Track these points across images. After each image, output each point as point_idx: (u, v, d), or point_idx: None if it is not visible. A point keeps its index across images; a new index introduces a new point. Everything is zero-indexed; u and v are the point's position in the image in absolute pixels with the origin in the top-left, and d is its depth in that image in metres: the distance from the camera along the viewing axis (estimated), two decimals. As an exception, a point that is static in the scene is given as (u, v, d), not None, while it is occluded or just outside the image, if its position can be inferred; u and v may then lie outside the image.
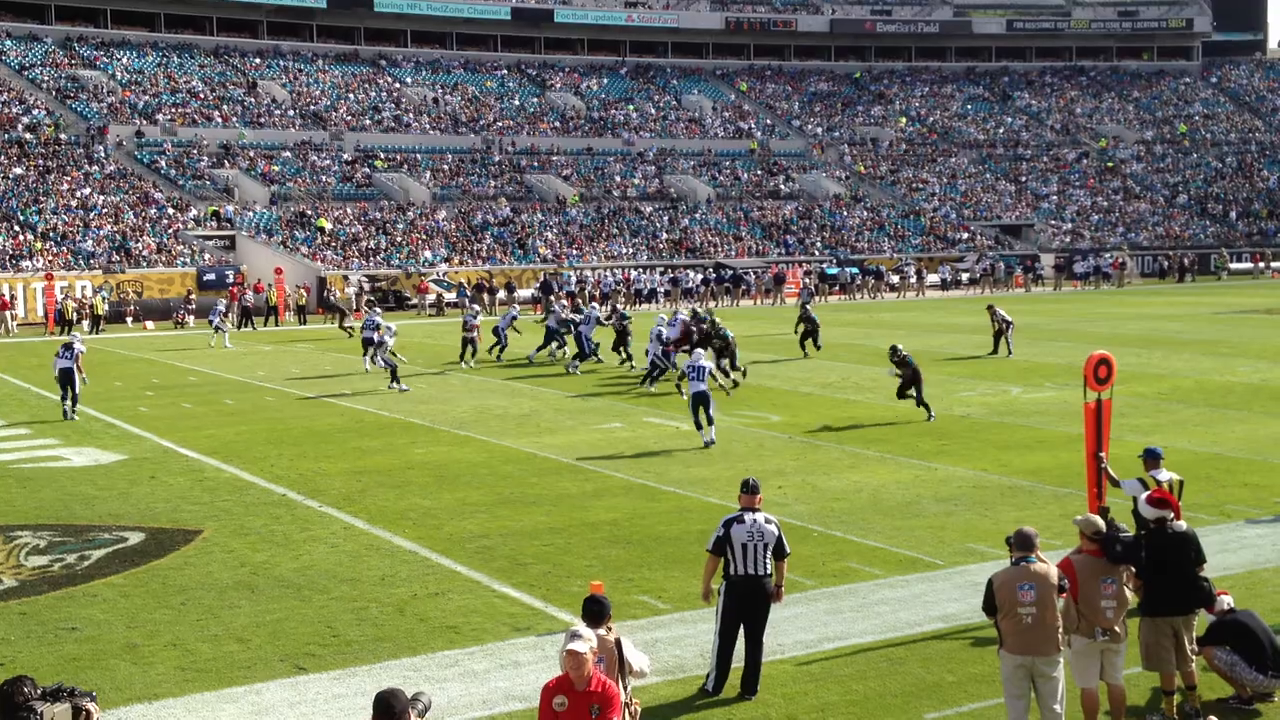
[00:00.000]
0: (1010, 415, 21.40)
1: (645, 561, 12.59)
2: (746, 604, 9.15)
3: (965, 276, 60.45)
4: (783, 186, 70.15)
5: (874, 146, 77.13)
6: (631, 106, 76.00)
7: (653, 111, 76.26)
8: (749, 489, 9.41)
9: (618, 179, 66.97)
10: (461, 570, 12.39)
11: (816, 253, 62.35)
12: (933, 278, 59.16)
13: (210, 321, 32.94)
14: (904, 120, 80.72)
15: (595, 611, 7.27)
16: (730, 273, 55.47)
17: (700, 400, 18.73)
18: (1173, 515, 8.83)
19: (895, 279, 57.53)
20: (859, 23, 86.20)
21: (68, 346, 22.93)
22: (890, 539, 13.34)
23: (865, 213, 68.32)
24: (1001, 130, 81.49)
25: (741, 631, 9.24)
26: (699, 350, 20.66)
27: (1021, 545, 7.97)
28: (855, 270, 57.56)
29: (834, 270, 57.82)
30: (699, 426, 18.84)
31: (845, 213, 67.76)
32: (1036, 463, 17.17)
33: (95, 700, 5.67)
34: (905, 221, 68.02)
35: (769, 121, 78.47)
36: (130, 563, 12.79)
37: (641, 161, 69.66)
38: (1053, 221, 71.16)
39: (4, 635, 10.60)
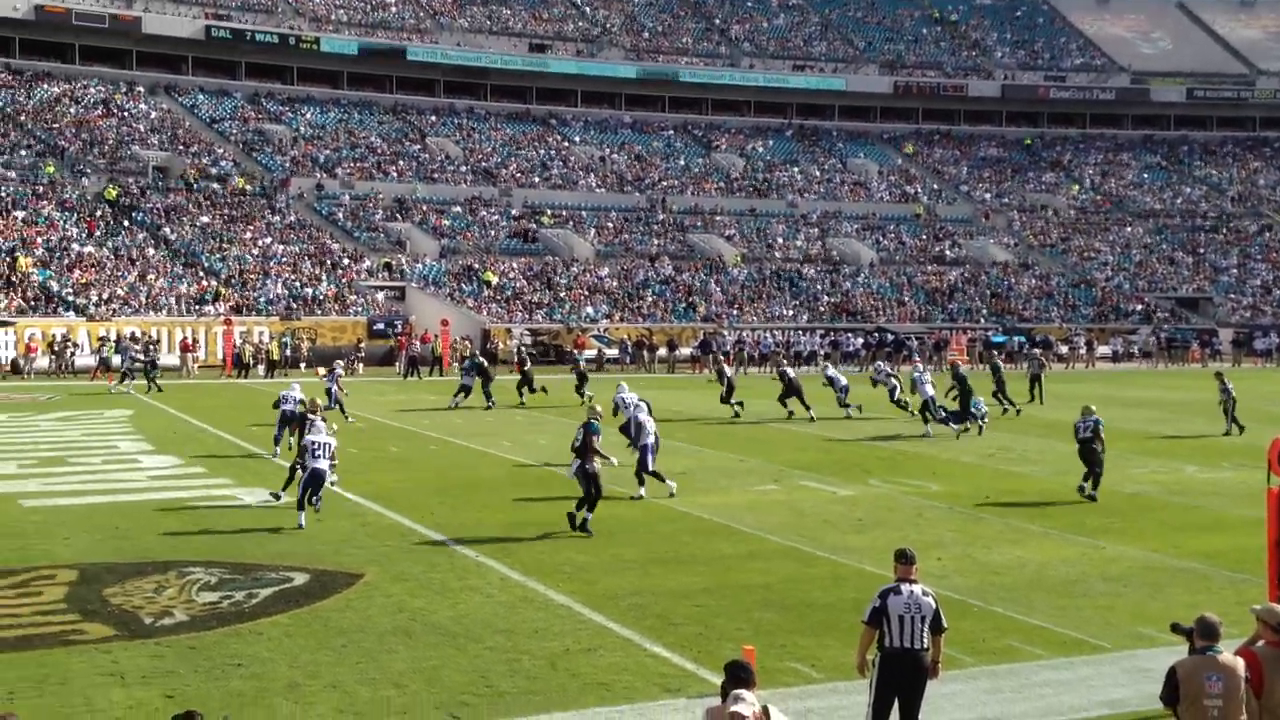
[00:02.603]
0: (1184, 495, 20.60)
1: (799, 628, 12.42)
2: (902, 678, 8.88)
3: (1137, 349, 58.67)
4: (948, 252, 69.25)
5: (1044, 214, 75.67)
6: (796, 168, 76.08)
7: (817, 173, 76.21)
8: (906, 559, 9.13)
9: (780, 240, 66.97)
10: (614, 627, 12.39)
11: (982, 320, 61.29)
12: (1104, 349, 57.56)
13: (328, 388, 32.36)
14: (1076, 187, 79.10)
15: (744, 678, 7.19)
16: (892, 337, 54.84)
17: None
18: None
19: (1064, 349, 56.12)
20: (1032, 88, 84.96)
21: (317, 445, 17.60)
22: (1054, 618, 12.92)
23: (1034, 281, 66.98)
24: (1179, 200, 79.22)
25: (896, 706, 8.99)
26: None
27: (1206, 634, 7.60)
28: (1022, 339, 56.35)
29: (1000, 338, 56.71)
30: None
31: (1013, 280, 66.51)
32: (1212, 545, 16.47)
33: None
34: (1076, 291, 66.44)
35: (936, 186, 77.69)
36: (295, 603, 13.12)
37: (805, 223, 69.58)
38: (1232, 295, 68.70)
39: (174, 668, 10.95)
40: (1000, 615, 13.03)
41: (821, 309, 59.93)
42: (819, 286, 62.20)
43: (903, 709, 8.96)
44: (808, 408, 30.87)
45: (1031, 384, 37.32)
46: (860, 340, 53.95)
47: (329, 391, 28.95)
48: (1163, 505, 19.60)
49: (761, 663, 10.02)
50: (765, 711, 7.00)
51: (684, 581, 14.26)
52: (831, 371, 33.44)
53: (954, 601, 13.30)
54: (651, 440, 19.76)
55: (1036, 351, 42.33)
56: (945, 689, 10.32)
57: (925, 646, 8.93)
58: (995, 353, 33.36)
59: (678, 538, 16.69)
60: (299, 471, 17.61)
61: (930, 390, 28.64)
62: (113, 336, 43.90)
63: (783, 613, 12.98)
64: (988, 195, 77.33)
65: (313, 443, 17.47)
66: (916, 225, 72.11)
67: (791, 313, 58.85)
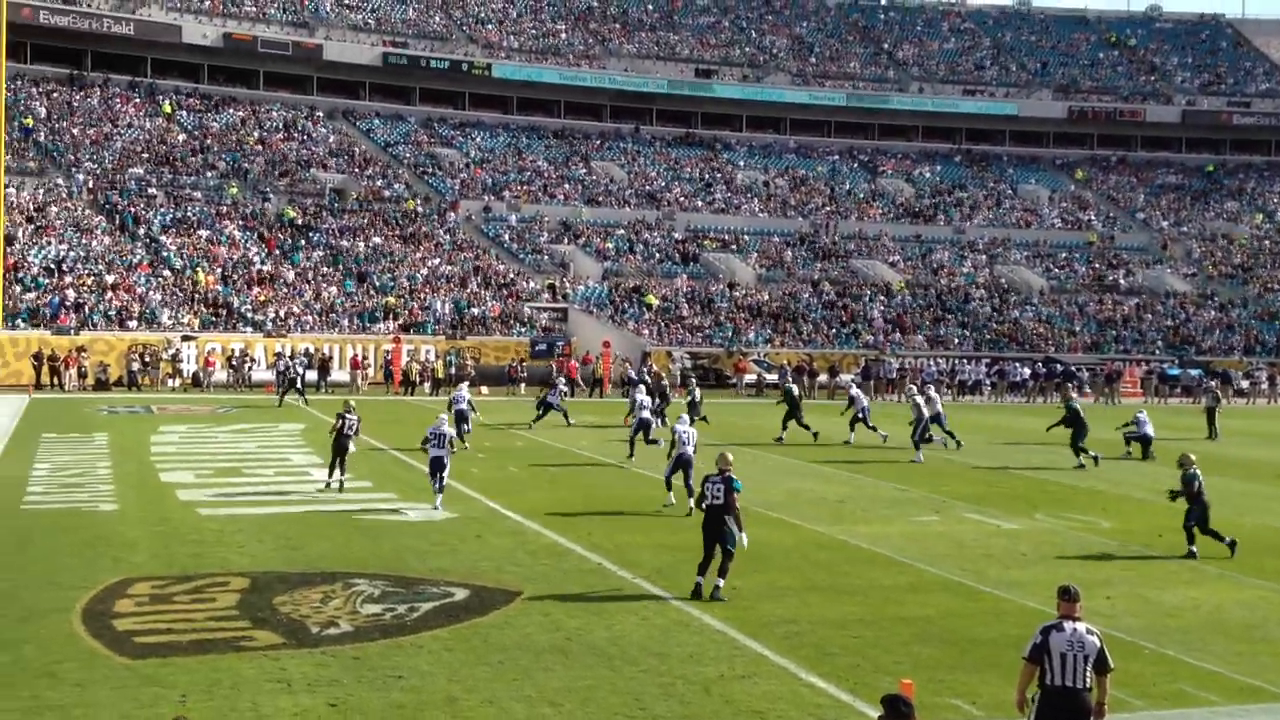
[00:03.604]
0: (1373, 539, 19.56)
1: (959, 663, 12.14)
2: (1062, 716, 8.64)
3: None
4: (1122, 281, 67.22)
5: (1226, 243, 72.92)
6: (964, 194, 74.86)
7: (986, 199, 74.84)
8: (1070, 596, 8.94)
9: (946, 267, 65.90)
10: (769, 655, 12.30)
11: (1156, 352, 59.31)
12: (1288, 384, 55.07)
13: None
14: (1260, 216, 76.04)
15: (904, 713, 7.06)
16: (1061, 368, 53.40)
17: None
18: None
19: (1244, 383, 53.88)
20: (1214, 114, 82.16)
21: (439, 435, 20.57)
22: (1230, 663, 12.38)
23: (1213, 312, 64.55)
24: (1370, 230, 75.59)
25: None
26: (684, 417, 22.87)
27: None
28: (1199, 372, 54.31)
29: (1176, 371, 54.78)
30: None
31: (1191, 311, 64.23)
32: (1403, 594, 15.60)
33: None
34: (1260, 324, 63.81)
35: (1110, 213, 75.56)
36: (455, 618, 13.34)
37: (972, 250, 68.35)
38: None
39: (338, 677, 11.24)
40: (1172, 658, 12.54)
41: (988, 337, 58.73)
42: (985, 314, 60.97)
43: None
44: (806, 427, 31.33)
45: (1208, 418, 36.04)
46: (1027, 370, 52.64)
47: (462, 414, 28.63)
48: (1350, 550, 18.63)
49: (920, 697, 9.83)
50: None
51: (841, 611, 14.08)
52: (855, 391, 33.09)
53: (1123, 642, 12.86)
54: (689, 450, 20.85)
55: (1213, 384, 40.75)
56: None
57: (1087, 686, 8.69)
58: (1073, 393, 31.32)
59: (835, 566, 16.50)
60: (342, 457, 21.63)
61: (924, 411, 28.64)
62: (287, 352, 45.46)
63: (942, 647, 12.71)
64: (1165, 223, 74.88)
65: (435, 433, 20.38)
66: (1089, 253, 70.20)
67: (957, 340, 57.80)
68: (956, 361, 53.65)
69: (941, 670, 11.88)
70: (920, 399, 29.29)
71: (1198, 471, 17.80)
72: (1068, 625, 8.77)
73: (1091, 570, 16.64)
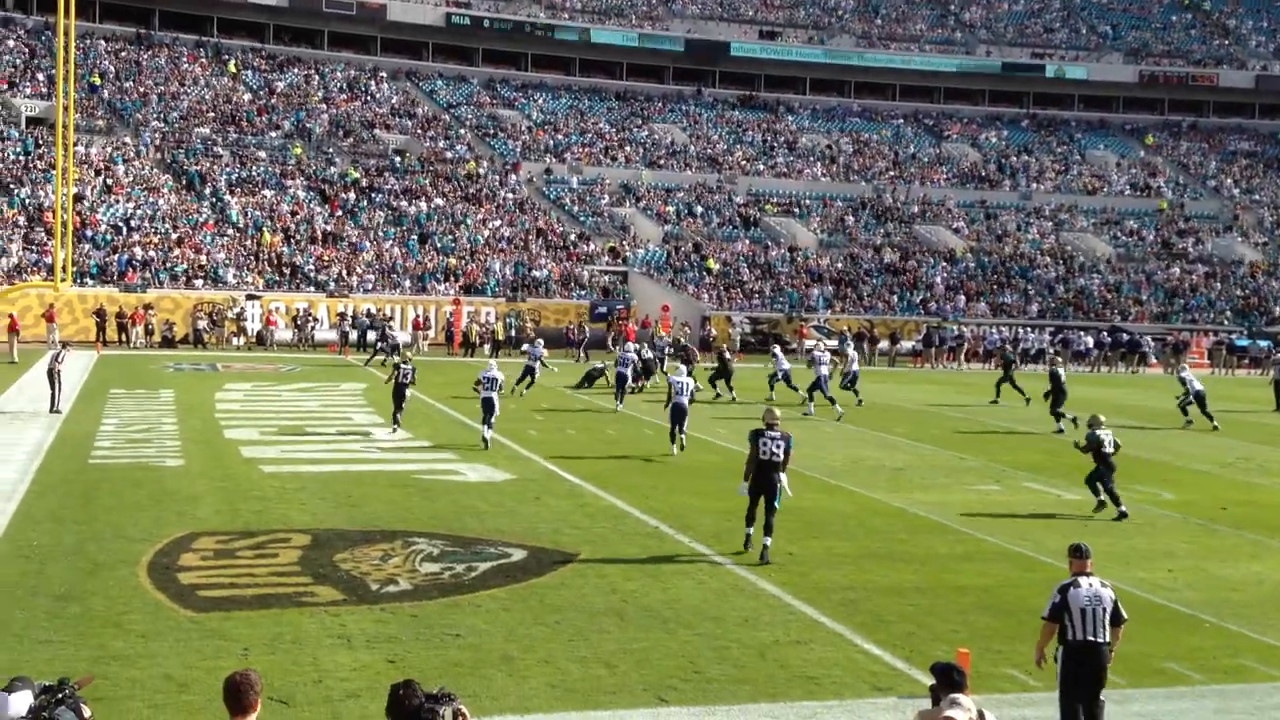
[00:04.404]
0: None
1: (1017, 633, 12.06)
2: (1085, 670, 8.94)
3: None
4: (1191, 249, 66.10)
5: (1300, 211, 71.48)
6: (1031, 159, 73.84)
7: (1053, 165, 73.79)
8: (1082, 554, 9.30)
9: (1011, 233, 65.13)
10: (824, 621, 12.29)
11: (1225, 322, 58.35)
12: (1359, 356, 54.00)
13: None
14: (1335, 184, 74.45)
15: (958, 682, 7.03)
16: (1127, 338, 52.68)
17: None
18: None
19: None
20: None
21: (490, 379, 23.08)
22: (1293, 640, 12.22)
23: (1284, 281, 63.35)
24: None
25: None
26: (681, 367, 25.13)
27: None
28: (1268, 343, 53.38)
29: (1244, 342, 53.87)
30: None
31: (1262, 281, 63.06)
32: None
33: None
34: (1332, 293, 62.58)
35: (1181, 180, 74.24)
36: (512, 578, 13.45)
37: (1038, 216, 67.48)
38: None
39: (396, 634, 11.37)
40: (1234, 632, 12.39)
41: (1053, 305, 58.03)
42: (1050, 281, 60.22)
43: (1087, 704, 8.98)
44: (731, 388, 32.26)
45: (1276, 390, 35.44)
46: (1091, 339, 51.99)
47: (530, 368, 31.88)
48: None
49: (976, 667, 9.80)
50: (981, 717, 6.82)
51: (898, 579, 14.04)
52: (778, 350, 34.46)
53: (1184, 616, 12.75)
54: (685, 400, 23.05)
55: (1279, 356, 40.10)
56: (1171, 705, 9.92)
57: (1106, 639, 8.99)
58: (1058, 361, 31.38)
59: (892, 534, 16.44)
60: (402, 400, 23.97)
61: (824, 370, 30.00)
62: (350, 312, 45.90)
63: (1000, 617, 12.64)
64: (1237, 190, 73.45)
65: (487, 377, 23.04)
66: (1158, 220, 69.07)
67: (1021, 307, 57.17)
68: (1020, 329, 53.09)
69: (999, 640, 11.81)
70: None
71: (1105, 435, 18.13)
72: (1083, 581, 9.05)
73: (1153, 542, 16.47)
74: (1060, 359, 34.26)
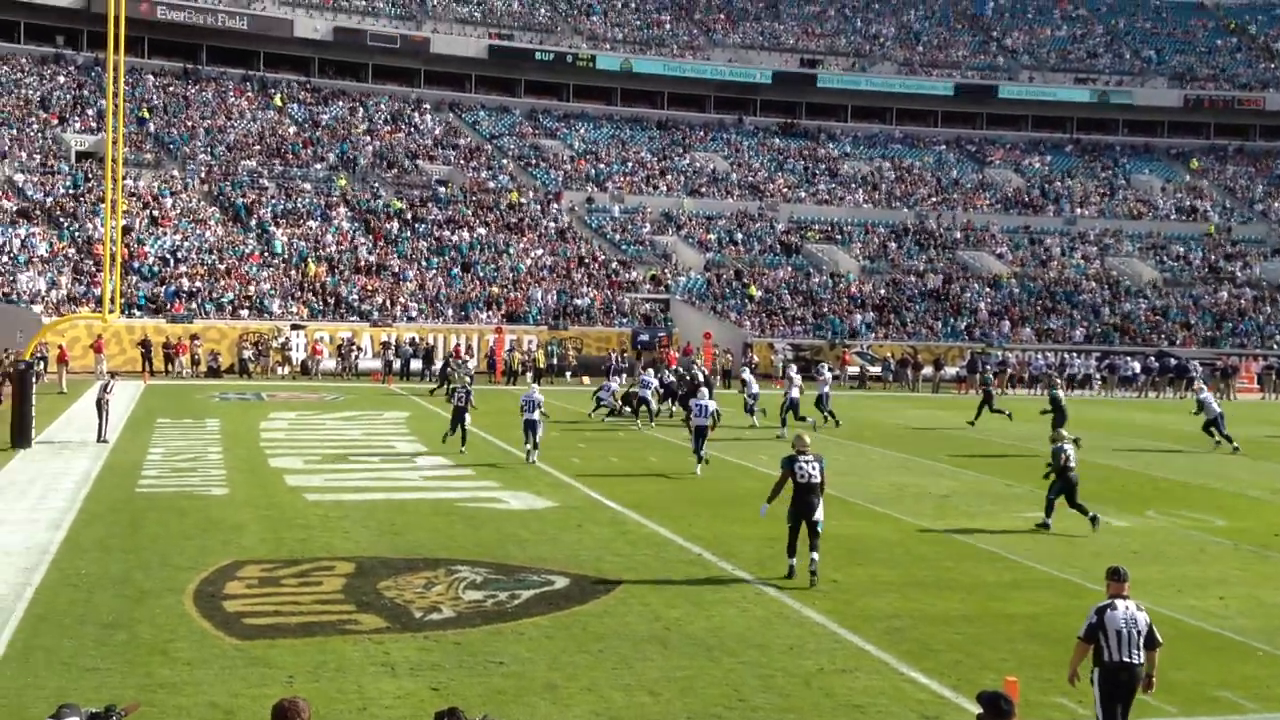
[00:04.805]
0: None
1: (1065, 661, 11.77)
2: (1120, 691, 9.17)
3: None
4: (1239, 273, 65.37)
5: (1350, 234, 70.58)
6: (1075, 181, 73.38)
7: (1097, 189, 73.30)
8: (1119, 577, 9.52)
9: (1056, 258, 64.69)
10: (870, 649, 12.18)
11: (1275, 346, 57.62)
12: None
13: (599, 400, 33.93)
14: (1386, 207, 73.46)
15: (1005, 710, 6.95)
16: (1175, 363, 52.11)
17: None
18: None
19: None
20: (1337, 101, 79.44)
21: (531, 401, 24.25)
22: (1350, 669, 11.98)
23: (1335, 305, 62.50)
24: None
25: None
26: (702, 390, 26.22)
27: None
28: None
29: (1294, 366, 53.14)
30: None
31: (1311, 304, 62.28)
32: None
33: None
34: (1383, 318, 61.66)
35: (1227, 204, 73.52)
36: (555, 606, 13.42)
37: (1082, 241, 67.01)
38: None
39: (440, 662, 11.36)
40: (1289, 662, 12.17)
41: (1099, 330, 57.52)
42: (1096, 307, 59.69)
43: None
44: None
45: None
46: (1139, 364, 51.47)
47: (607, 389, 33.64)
48: None
49: (1025, 695, 9.68)
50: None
51: (944, 607, 13.90)
52: (747, 375, 35.44)
53: (1236, 644, 12.54)
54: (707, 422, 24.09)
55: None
56: (1225, 737, 9.71)
57: (1141, 661, 9.22)
58: (1057, 383, 32.77)
59: (938, 561, 16.29)
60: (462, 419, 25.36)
61: (756, 388, 32.83)
62: (393, 341, 46.15)
63: (1049, 645, 12.48)
64: (1285, 214, 72.67)
65: (528, 400, 24.22)
66: (1205, 245, 68.39)
67: (1066, 333, 56.69)
68: (1065, 355, 52.66)
69: (1047, 668, 11.65)
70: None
71: (1064, 447, 18.76)
72: (1120, 604, 9.30)
73: (1205, 569, 16.23)
74: (1059, 381, 35.66)
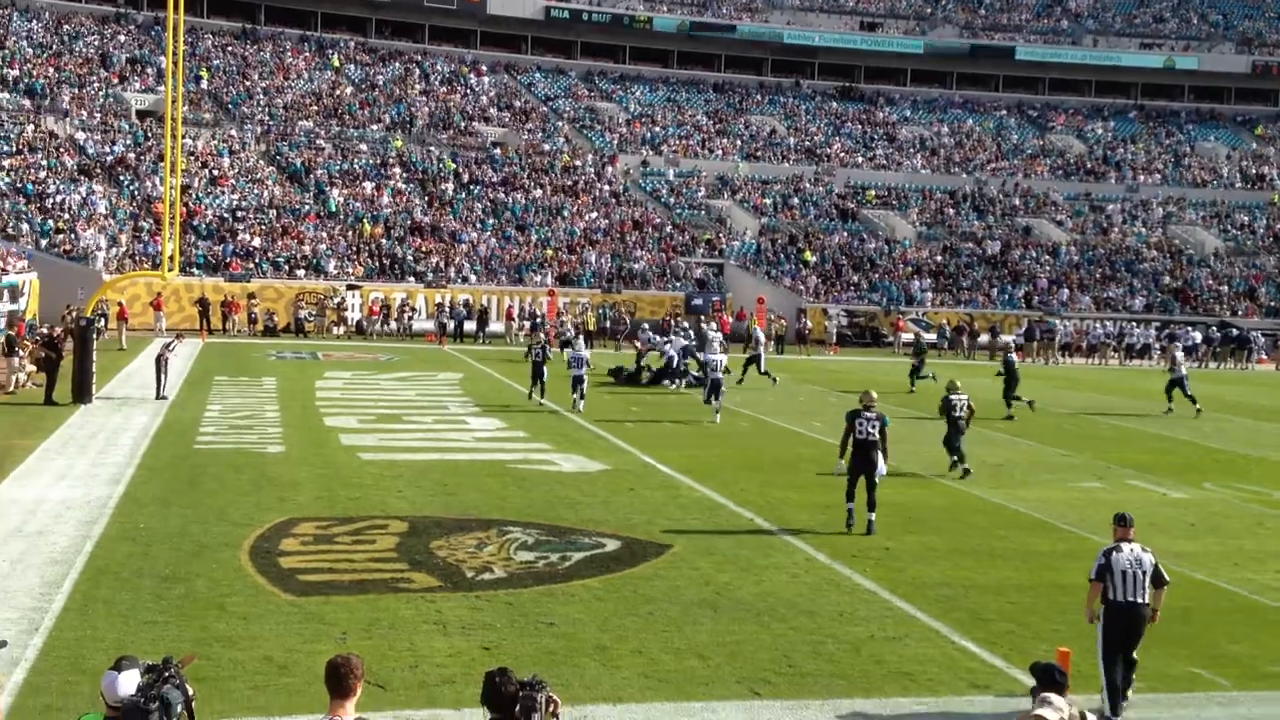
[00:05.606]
0: None
1: (1119, 634, 11.78)
2: (1127, 627, 9.70)
3: None
4: (1304, 243, 64.21)
5: None
6: (1139, 148, 72.21)
7: (1161, 157, 72.10)
8: (1125, 522, 10.10)
9: (1117, 226, 63.78)
10: (921, 617, 12.12)
11: (1340, 317, 56.64)
12: None
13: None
14: None
15: (1059, 682, 6.88)
16: (1236, 333, 51.30)
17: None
18: None
19: None
20: None
21: (578, 359, 26.84)
22: None
23: (1403, 276, 61.25)
24: None
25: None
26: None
27: None
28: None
29: (1359, 337, 52.23)
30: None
31: (1378, 275, 61.06)
32: None
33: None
34: None
35: (1293, 172, 72.10)
36: (606, 568, 13.46)
37: (1144, 209, 66.01)
38: None
39: (491, 622, 11.43)
40: (1349, 638, 11.99)
41: (1160, 300, 56.72)
42: (1158, 275, 58.84)
43: (1125, 654, 9.79)
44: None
45: None
46: (1200, 334, 50.72)
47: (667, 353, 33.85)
48: None
49: (1078, 666, 9.59)
50: (1082, 717, 6.65)
51: (997, 576, 13.81)
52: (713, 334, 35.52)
53: (1296, 619, 12.36)
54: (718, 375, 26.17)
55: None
56: (1269, 710, 9.60)
57: (1145, 600, 9.74)
58: (1011, 348, 32.57)
59: (991, 530, 16.17)
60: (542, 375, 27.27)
61: (671, 351, 33.24)
62: (447, 302, 46.34)
63: (1102, 616, 12.35)
64: (1353, 183, 71.21)
65: (575, 357, 26.66)
66: (1270, 213, 67.16)
67: (1127, 302, 55.96)
68: (1125, 324, 52.00)
69: (1101, 640, 11.54)
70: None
71: (952, 399, 20.00)
72: (1125, 546, 9.86)
73: (1261, 542, 16.01)
74: (1013, 346, 35.63)
